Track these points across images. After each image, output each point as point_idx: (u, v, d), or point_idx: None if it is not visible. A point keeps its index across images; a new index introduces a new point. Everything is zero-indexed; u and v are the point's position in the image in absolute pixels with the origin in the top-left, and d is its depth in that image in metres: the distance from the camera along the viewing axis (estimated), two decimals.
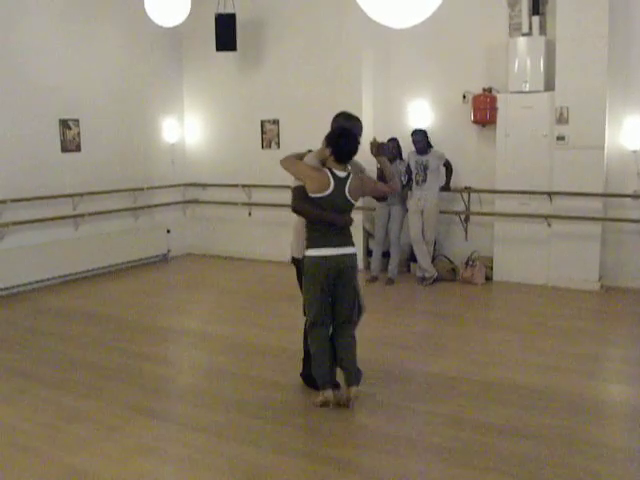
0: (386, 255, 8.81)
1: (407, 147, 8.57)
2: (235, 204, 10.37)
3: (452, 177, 8.57)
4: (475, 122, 8.68)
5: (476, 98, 8.59)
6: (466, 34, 8.73)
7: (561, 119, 7.99)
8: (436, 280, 8.48)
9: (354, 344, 4.64)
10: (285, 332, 6.34)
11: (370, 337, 6.29)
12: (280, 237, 10.06)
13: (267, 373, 5.29)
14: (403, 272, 8.94)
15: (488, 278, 8.57)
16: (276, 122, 10.05)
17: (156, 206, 10.28)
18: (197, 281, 9.06)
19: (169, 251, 10.35)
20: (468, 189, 8.84)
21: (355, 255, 4.58)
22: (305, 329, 4.72)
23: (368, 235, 9.49)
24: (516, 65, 8.22)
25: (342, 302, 4.55)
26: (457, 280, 8.60)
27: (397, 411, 4.54)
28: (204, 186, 10.76)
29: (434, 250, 8.77)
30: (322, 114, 9.37)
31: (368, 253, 9.43)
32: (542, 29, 8.26)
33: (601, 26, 7.71)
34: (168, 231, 10.26)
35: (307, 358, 4.80)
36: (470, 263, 8.62)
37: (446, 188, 8.60)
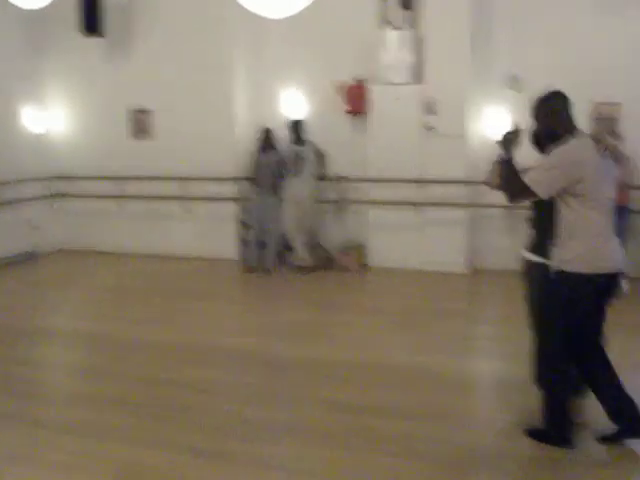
0: (262, 246, 8.82)
1: (282, 137, 8.60)
2: (105, 197, 10.02)
3: (327, 167, 8.71)
4: (348, 112, 8.85)
5: (349, 89, 8.75)
6: (339, 26, 8.83)
7: (429, 110, 8.30)
8: (313, 269, 8.59)
9: None
10: (159, 327, 6.23)
11: (248, 327, 6.32)
12: (153, 230, 9.86)
13: (143, 369, 5.18)
14: (279, 262, 8.98)
15: (363, 265, 8.79)
16: (147, 111, 9.79)
17: (20, 200, 9.72)
18: (68, 278, 8.71)
19: (35, 248, 9.85)
20: (342, 178, 9.00)
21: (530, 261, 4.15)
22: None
23: (244, 225, 9.46)
24: (387, 57, 8.43)
25: None
26: (333, 268, 8.76)
27: (276, 399, 4.57)
28: (72, 179, 10.31)
29: (310, 239, 8.88)
30: (195, 103, 9.39)
31: (244, 243, 9.40)
32: (412, 23, 8.52)
33: (464, 22, 8.10)
34: (34, 227, 9.77)
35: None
36: (345, 251, 8.81)
37: (321, 178, 8.72)
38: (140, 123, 9.86)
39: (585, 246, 3.62)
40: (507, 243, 8.48)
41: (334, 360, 5.31)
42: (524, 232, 8.12)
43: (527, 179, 3.60)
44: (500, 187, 3.91)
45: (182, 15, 9.35)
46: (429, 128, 8.27)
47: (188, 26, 9.31)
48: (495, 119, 8.40)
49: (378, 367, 5.14)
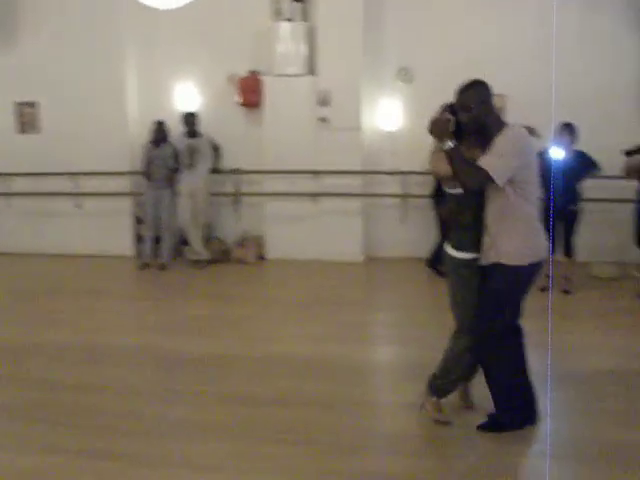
0: (157, 240, 8.66)
1: (175, 130, 8.47)
2: None
3: (221, 159, 8.65)
4: (242, 104, 8.81)
5: (242, 80, 8.71)
6: (231, 17, 8.79)
7: (323, 101, 8.39)
8: (209, 262, 8.53)
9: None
10: (50, 328, 6.04)
11: (145, 325, 6.21)
12: (44, 228, 9.48)
13: (34, 373, 4.98)
14: (175, 256, 8.85)
15: (261, 257, 8.80)
16: (34, 105, 9.40)
17: None
18: None
19: None
20: (237, 171, 8.96)
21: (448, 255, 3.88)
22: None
23: (138, 220, 9.26)
24: (280, 49, 8.45)
25: None
26: (230, 261, 8.73)
27: (176, 396, 4.52)
28: None
29: (206, 232, 8.80)
30: (86, 96, 9.08)
31: (139, 239, 9.20)
32: (304, 15, 8.57)
33: (356, 13, 8.24)
34: None
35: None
36: (242, 243, 8.80)
37: (215, 170, 8.66)
38: (27, 117, 9.46)
39: (525, 238, 3.65)
40: (401, 232, 8.75)
41: (234, 354, 5.30)
42: (419, 221, 8.42)
43: (484, 166, 3.51)
44: (452, 175, 3.64)
45: (71, 5, 9.01)
46: (323, 120, 8.36)
47: (77, 17, 8.99)
48: (387, 110, 8.62)
49: (278, 358, 5.16)
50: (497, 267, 3.67)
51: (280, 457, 3.62)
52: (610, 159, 7.05)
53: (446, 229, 4.12)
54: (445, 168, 3.61)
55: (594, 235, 7.98)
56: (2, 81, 9.42)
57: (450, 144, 3.61)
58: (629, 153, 7.12)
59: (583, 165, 6.87)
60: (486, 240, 3.71)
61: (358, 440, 3.82)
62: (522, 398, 3.90)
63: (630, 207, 7.36)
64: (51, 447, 3.80)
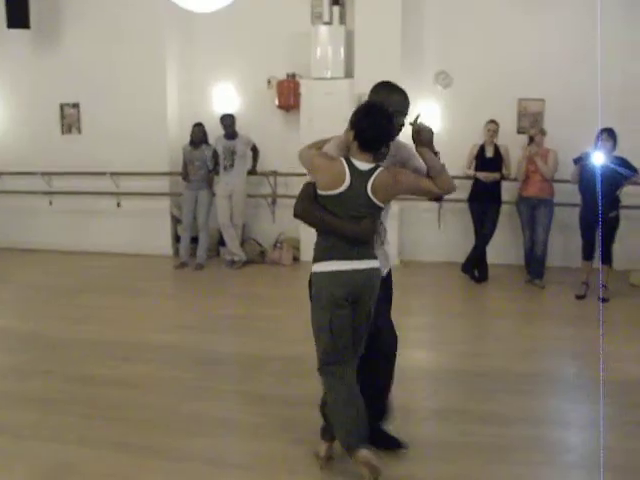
0: (195, 240, 8.77)
1: (213, 132, 8.56)
2: (35, 193, 9.77)
3: (258, 161, 8.72)
4: (280, 107, 8.87)
5: (280, 83, 8.77)
6: (270, 21, 8.87)
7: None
8: (245, 263, 8.59)
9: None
10: (89, 324, 6.15)
11: (180, 323, 6.28)
12: (84, 226, 9.69)
13: (72, 367, 5.08)
14: (212, 257, 8.95)
15: (296, 259, 8.83)
16: (77, 106, 9.60)
17: None
18: None
19: None
20: (274, 173, 9.02)
21: (375, 270, 3.36)
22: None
23: (176, 221, 9.39)
24: (318, 52, 8.50)
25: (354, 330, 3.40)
26: (265, 262, 8.79)
27: (208, 393, 4.56)
28: (0, 175, 10.02)
29: (242, 233, 8.88)
30: (126, 97, 9.24)
31: (176, 239, 9.34)
32: (342, 18, 8.60)
33: (394, 16, 8.21)
34: None
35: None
36: (278, 245, 8.86)
37: (253, 172, 8.73)
38: (70, 117, 9.67)
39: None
40: (437, 236, 8.70)
41: (267, 354, 5.32)
42: (455, 225, 8.33)
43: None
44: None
45: (112, 8, 9.20)
46: None
47: (118, 19, 9.17)
48: (425, 114, 8.58)
49: (311, 359, 5.12)
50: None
51: (312, 458, 3.63)
52: None
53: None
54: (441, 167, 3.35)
55: (633, 242, 7.86)
56: (47, 82, 9.64)
57: (435, 153, 3.39)
58: None
59: (623, 171, 6.76)
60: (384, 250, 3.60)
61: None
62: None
63: None
64: (85, 440, 3.86)
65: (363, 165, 3.24)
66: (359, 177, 3.22)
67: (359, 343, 3.42)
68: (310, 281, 3.43)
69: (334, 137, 3.44)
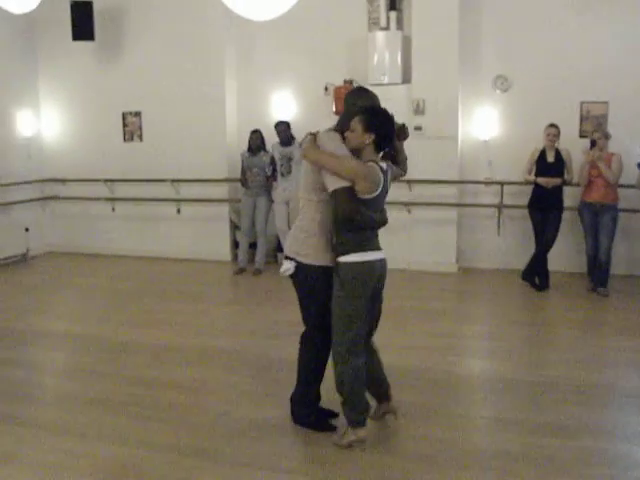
0: (253, 246, 8.86)
1: (271, 139, 8.64)
2: (98, 199, 10.06)
3: None
4: (336, 113, 8.87)
5: (337, 90, 8.78)
6: (327, 27, 8.90)
7: (418, 110, 8.35)
8: None
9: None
10: (149, 328, 6.27)
11: (238, 328, 6.34)
12: (145, 232, 9.91)
13: (132, 370, 5.19)
14: (270, 262, 9.02)
15: None
16: (138, 114, 9.83)
17: (12, 203, 9.75)
18: (59, 280, 8.71)
19: (28, 250, 9.87)
20: None
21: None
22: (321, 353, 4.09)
23: (234, 226, 9.51)
24: (375, 58, 8.49)
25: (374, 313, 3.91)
26: None
27: (266, 398, 4.58)
28: (64, 181, 10.35)
29: None
30: (186, 105, 9.43)
31: (235, 245, 9.45)
32: (399, 24, 8.57)
33: (452, 20, 8.15)
34: (26, 229, 9.78)
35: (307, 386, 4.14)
36: None
37: None
38: (132, 125, 9.91)
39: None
40: (497, 243, 8.59)
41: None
42: (514, 232, 8.22)
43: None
44: None
45: (172, 19, 9.40)
46: (418, 129, 8.29)
47: (178, 30, 9.37)
48: (484, 119, 8.48)
49: None
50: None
51: (365, 464, 3.61)
52: None
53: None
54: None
55: None
56: (110, 92, 9.91)
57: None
58: None
59: None
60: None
61: (444, 453, 3.76)
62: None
63: None
64: (144, 442, 3.94)
65: (383, 164, 3.70)
66: (384, 176, 3.66)
67: (375, 326, 3.95)
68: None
69: (329, 139, 3.80)
